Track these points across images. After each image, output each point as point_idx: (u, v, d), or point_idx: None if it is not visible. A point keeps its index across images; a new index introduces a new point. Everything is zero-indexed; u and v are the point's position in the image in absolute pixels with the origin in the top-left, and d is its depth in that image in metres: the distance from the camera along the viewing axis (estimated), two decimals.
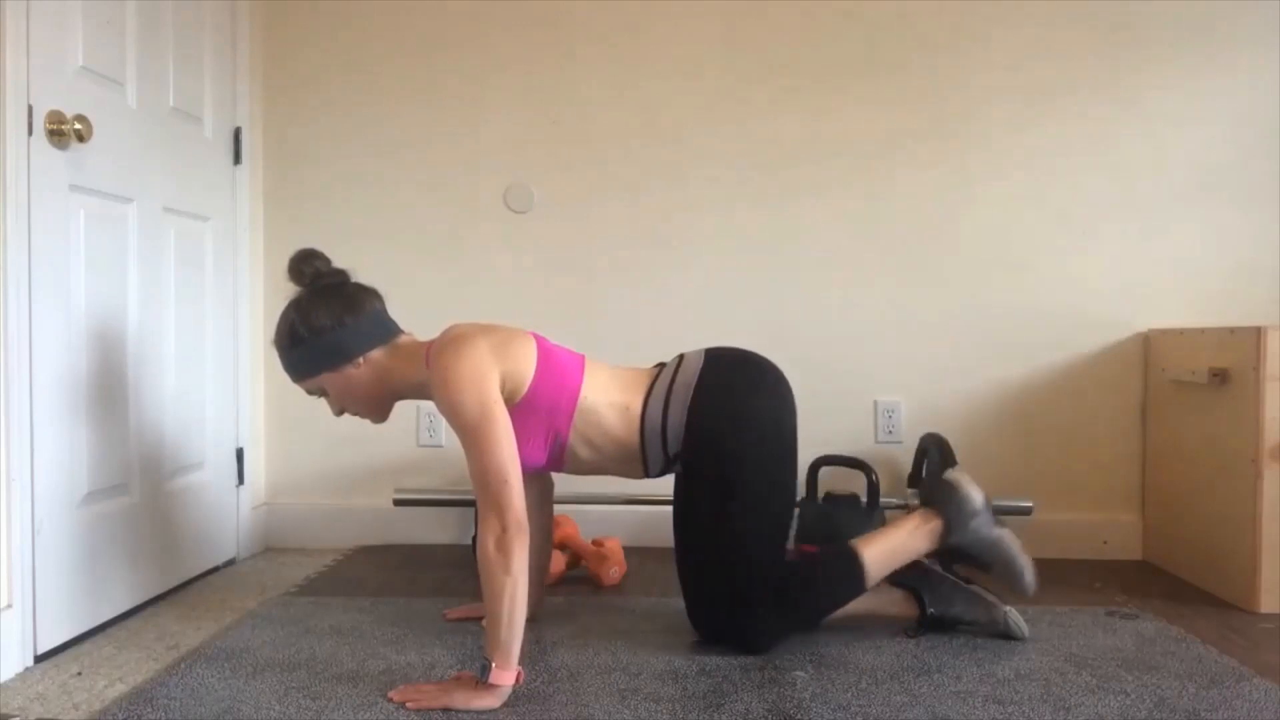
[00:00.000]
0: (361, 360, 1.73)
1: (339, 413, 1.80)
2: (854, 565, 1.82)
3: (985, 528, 1.86)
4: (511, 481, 1.57)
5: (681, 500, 1.84)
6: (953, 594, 1.90)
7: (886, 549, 1.85)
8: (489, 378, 1.64)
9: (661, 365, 1.88)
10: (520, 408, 1.70)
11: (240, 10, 2.57)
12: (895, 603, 1.92)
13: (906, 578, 1.93)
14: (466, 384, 1.61)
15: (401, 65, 2.70)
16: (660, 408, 1.78)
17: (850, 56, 2.65)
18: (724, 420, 1.77)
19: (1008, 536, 1.87)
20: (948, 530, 1.86)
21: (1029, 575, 1.85)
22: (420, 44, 2.70)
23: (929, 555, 1.89)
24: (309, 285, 1.75)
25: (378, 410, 1.81)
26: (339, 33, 2.71)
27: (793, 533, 2.42)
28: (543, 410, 1.73)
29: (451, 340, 1.69)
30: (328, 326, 1.71)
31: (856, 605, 1.90)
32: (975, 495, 1.88)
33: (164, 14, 2.20)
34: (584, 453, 1.79)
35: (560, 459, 1.80)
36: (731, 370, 1.82)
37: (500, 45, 2.69)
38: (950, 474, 1.94)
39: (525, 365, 1.71)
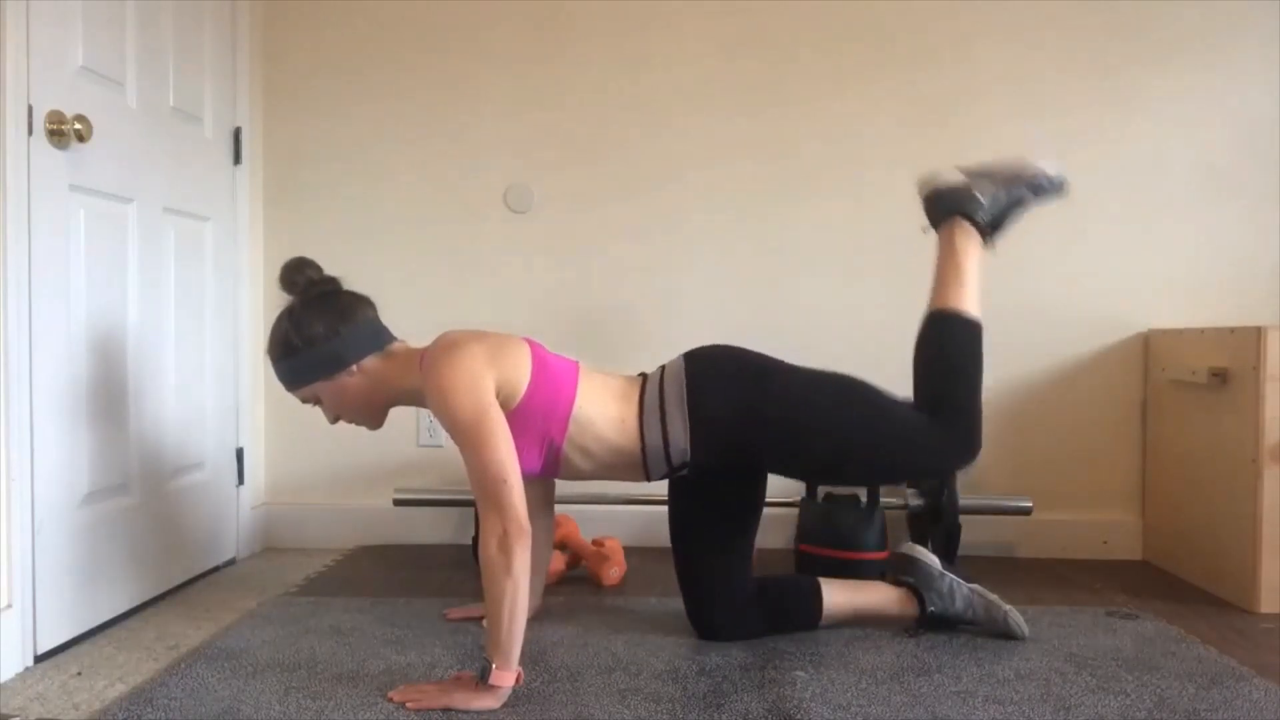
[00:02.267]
0: (355, 368, 1.73)
1: (334, 420, 1.80)
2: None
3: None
4: (511, 481, 1.57)
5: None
6: (954, 592, 1.90)
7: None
8: (483, 381, 1.63)
9: (643, 375, 1.86)
10: (515, 415, 1.68)
11: (240, 10, 2.57)
12: (896, 601, 1.92)
13: (907, 576, 1.93)
14: (461, 388, 1.61)
15: (402, 65, 2.70)
16: (657, 415, 1.76)
17: (850, 56, 2.65)
18: (728, 406, 1.75)
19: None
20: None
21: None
22: (420, 44, 2.70)
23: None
24: (301, 294, 1.75)
25: (373, 417, 1.81)
26: (339, 33, 2.71)
27: (793, 533, 2.44)
28: (537, 417, 1.71)
29: (445, 347, 1.68)
30: (321, 336, 1.71)
31: (857, 603, 1.91)
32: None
33: (164, 14, 2.20)
34: (580, 460, 1.77)
35: (555, 466, 1.78)
36: (716, 359, 1.82)
37: (500, 45, 2.69)
38: (904, 548, 1.97)
39: (520, 371, 1.70)
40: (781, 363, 1.85)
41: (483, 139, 2.70)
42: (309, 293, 1.75)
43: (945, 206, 1.90)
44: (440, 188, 2.71)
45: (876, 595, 1.93)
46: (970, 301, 1.88)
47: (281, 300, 1.78)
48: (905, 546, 1.99)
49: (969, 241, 1.89)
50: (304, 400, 1.79)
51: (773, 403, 1.76)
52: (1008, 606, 1.89)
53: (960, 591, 1.91)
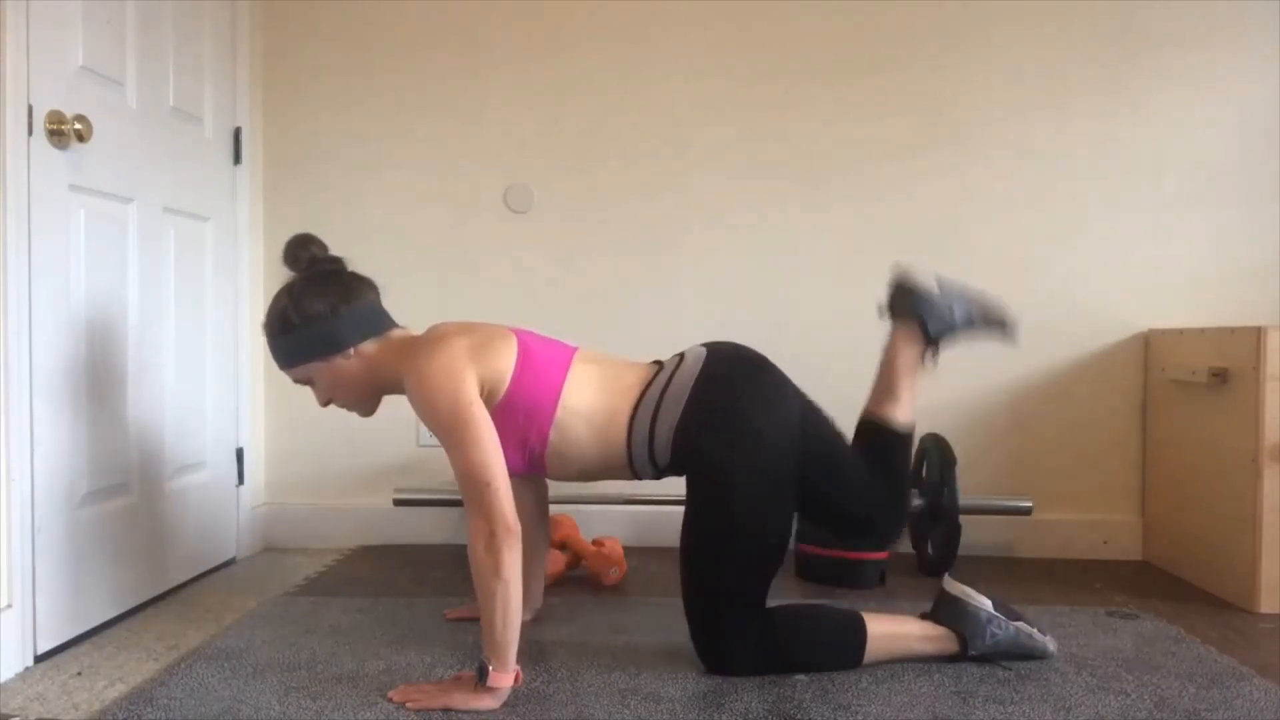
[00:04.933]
0: (352, 351, 1.68)
1: (325, 403, 1.75)
2: (856, 639, 1.71)
3: (1002, 629, 1.75)
4: (495, 484, 1.52)
5: (686, 506, 1.79)
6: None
7: (892, 638, 1.74)
8: (463, 377, 1.58)
9: (659, 364, 1.79)
10: (497, 411, 1.62)
11: (240, 10, 2.57)
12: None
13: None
14: (440, 384, 1.56)
15: (402, 65, 2.70)
16: (649, 419, 1.69)
17: (851, 57, 2.65)
18: (712, 441, 1.66)
19: (1024, 626, 1.77)
20: (965, 645, 1.74)
21: (1052, 646, 1.78)
22: (421, 44, 2.70)
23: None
24: (304, 271, 1.71)
25: (365, 404, 1.76)
26: (339, 33, 2.71)
27: (793, 531, 2.44)
28: (518, 420, 1.65)
29: (428, 341, 1.65)
30: (321, 314, 1.66)
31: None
32: (983, 602, 1.76)
33: (164, 14, 2.20)
34: (563, 461, 1.72)
35: (541, 465, 1.73)
36: (728, 382, 1.70)
37: (501, 45, 2.69)
38: (950, 587, 1.79)
39: (503, 367, 1.63)
40: (785, 413, 1.73)
41: (483, 139, 2.70)
42: (312, 270, 1.71)
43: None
44: (440, 188, 2.71)
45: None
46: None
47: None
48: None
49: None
50: (296, 380, 1.74)
51: (732, 465, 1.66)
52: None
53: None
